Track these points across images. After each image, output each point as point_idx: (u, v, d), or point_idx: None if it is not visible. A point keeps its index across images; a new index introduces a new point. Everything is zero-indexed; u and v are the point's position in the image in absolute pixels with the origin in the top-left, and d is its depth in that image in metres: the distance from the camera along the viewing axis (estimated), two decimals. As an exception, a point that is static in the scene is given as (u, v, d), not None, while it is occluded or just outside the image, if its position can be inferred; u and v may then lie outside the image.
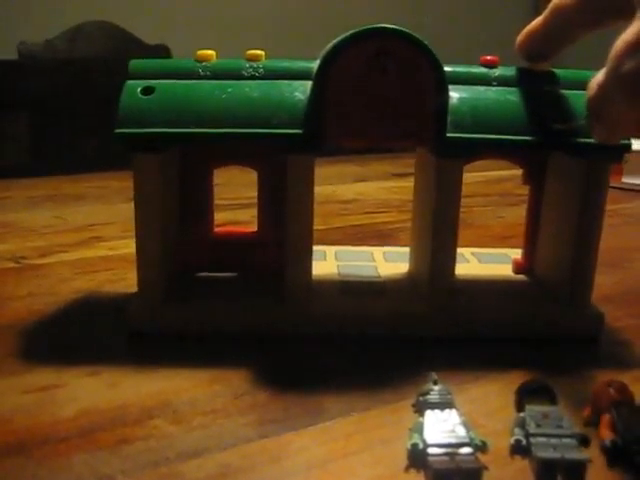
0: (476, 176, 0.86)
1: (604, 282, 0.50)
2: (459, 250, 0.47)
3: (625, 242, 0.63)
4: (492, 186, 0.83)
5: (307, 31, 1.66)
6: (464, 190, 0.82)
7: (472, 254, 0.49)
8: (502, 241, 0.59)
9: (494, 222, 0.68)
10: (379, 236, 0.61)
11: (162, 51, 1.34)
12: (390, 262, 0.47)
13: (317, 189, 0.80)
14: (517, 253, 0.48)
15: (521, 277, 0.46)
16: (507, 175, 0.80)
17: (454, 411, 0.29)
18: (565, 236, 0.40)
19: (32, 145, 1.16)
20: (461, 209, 0.70)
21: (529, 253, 0.46)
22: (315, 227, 0.63)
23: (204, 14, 1.81)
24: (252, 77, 0.38)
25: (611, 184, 0.83)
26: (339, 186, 0.82)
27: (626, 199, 0.80)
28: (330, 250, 0.49)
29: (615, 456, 0.28)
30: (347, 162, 0.96)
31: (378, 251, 0.49)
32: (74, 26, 1.38)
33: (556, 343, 0.39)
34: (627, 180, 0.84)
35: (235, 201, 0.66)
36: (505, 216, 0.68)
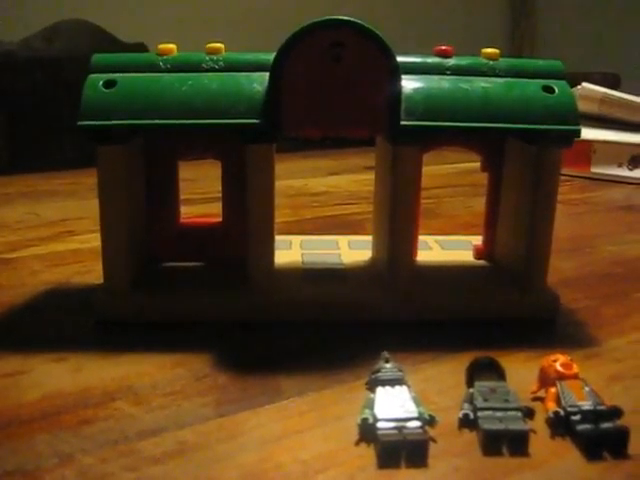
0: (447, 168, 0.88)
1: (565, 267, 0.52)
2: (422, 238, 0.49)
3: (589, 229, 0.64)
4: (463, 177, 0.84)
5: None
6: (435, 182, 0.84)
7: (435, 241, 0.51)
8: (469, 229, 0.60)
9: (462, 211, 0.69)
10: (347, 226, 0.62)
11: (140, 49, 1.34)
12: (354, 250, 0.48)
13: (289, 182, 0.82)
14: (479, 239, 0.49)
15: (481, 262, 0.47)
16: (478, 167, 0.82)
17: (404, 387, 0.30)
18: (521, 221, 0.42)
19: (8, 143, 1.16)
20: (430, 200, 0.72)
21: (489, 239, 0.47)
22: (285, 219, 0.64)
23: (182, 13, 1.81)
24: (212, 70, 0.39)
25: (579, 174, 0.86)
26: (311, 179, 0.83)
27: (593, 188, 0.81)
28: (296, 239, 0.50)
29: (557, 426, 0.29)
30: (321, 157, 0.97)
31: (343, 240, 0.50)
32: (51, 25, 1.38)
33: (513, 324, 0.41)
34: (595, 170, 0.85)
35: (208, 195, 0.67)
36: (473, 205, 0.70)
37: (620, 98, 0.87)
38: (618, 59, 1.93)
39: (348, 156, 0.96)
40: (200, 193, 0.68)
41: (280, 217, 0.55)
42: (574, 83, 0.88)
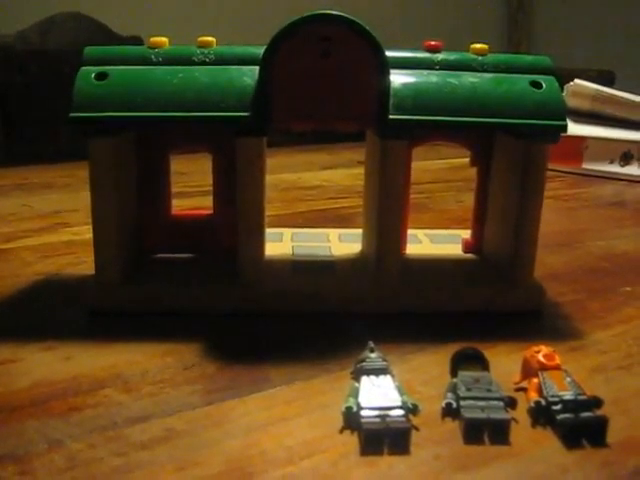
0: (439, 163, 0.88)
1: (554, 261, 0.52)
2: (412, 231, 0.49)
3: (579, 224, 0.65)
4: (454, 172, 0.85)
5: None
6: (426, 176, 0.84)
7: (425, 235, 0.51)
8: (459, 224, 0.60)
9: (454, 206, 0.70)
10: (339, 220, 0.63)
11: (136, 43, 1.35)
12: (344, 243, 0.48)
13: (283, 176, 0.82)
14: (468, 233, 0.49)
15: (469, 256, 0.47)
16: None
17: (389, 377, 0.31)
18: (509, 215, 0.42)
19: (3, 136, 1.17)
20: (422, 194, 0.73)
21: (477, 233, 0.47)
22: (277, 212, 0.65)
23: (178, 6, 1.81)
24: (203, 63, 0.40)
25: (571, 170, 0.86)
26: (305, 173, 0.83)
27: (584, 184, 0.82)
28: (287, 232, 0.50)
29: (538, 415, 0.30)
30: (315, 151, 0.97)
31: (334, 233, 0.51)
32: (47, 18, 1.38)
33: (499, 317, 0.41)
34: (586, 166, 0.86)
35: (200, 188, 0.68)
36: (465, 200, 0.70)
37: (612, 95, 0.88)
38: (613, 57, 1.94)
39: (342, 151, 0.97)
40: (192, 186, 0.68)
41: (272, 210, 0.55)
42: (569, 80, 0.89)
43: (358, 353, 0.33)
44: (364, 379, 0.31)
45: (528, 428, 0.30)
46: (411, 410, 0.29)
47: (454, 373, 0.32)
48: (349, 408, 0.29)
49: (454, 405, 0.30)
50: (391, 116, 0.38)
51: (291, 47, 0.37)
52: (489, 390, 0.30)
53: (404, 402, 0.29)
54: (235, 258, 0.41)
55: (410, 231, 0.48)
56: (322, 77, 0.38)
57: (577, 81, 0.89)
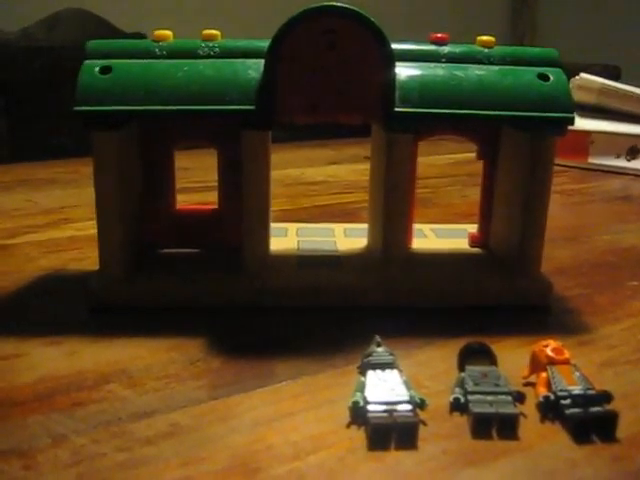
0: (444, 158, 0.88)
1: (560, 255, 0.52)
2: (418, 226, 0.49)
3: (585, 219, 0.64)
4: (459, 167, 0.84)
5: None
6: (431, 171, 0.84)
7: (431, 230, 0.51)
8: (465, 218, 0.60)
9: (459, 201, 0.70)
10: (343, 215, 0.62)
11: (139, 39, 1.34)
12: (350, 238, 0.48)
13: (287, 171, 0.82)
14: (474, 228, 0.49)
15: (476, 250, 0.47)
16: (475, 157, 0.82)
17: (395, 371, 0.31)
18: (515, 208, 0.42)
19: (7, 132, 1.16)
20: (427, 189, 0.73)
21: (484, 227, 0.47)
22: (281, 207, 0.64)
23: (182, 2, 1.80)
24: (208, 56, 0.39)
25: (577, 164, 0.86)
26: (310, 169, 0.83)
27: (591, 179, 0.81)
28: (292, 227, 0.50)
29: (547, 410, 0.29)
30: (320, 146, 0.97)
31: (339, 227, 0.50)
32: (51, 14, 1.38)
33: (506, 311, 0.41)
34: (592, 161, 0.86)
35: (203, 184, 0.67)
36: (470, 195, 0.70)
37: (618, 89, 0.87)
38: (619, 51, 1.93)
39: (346, 146, 0.96)
40: (195, 182, 0.68)
41: (277, 205, 0.55)
42: (574, 74, 0.88)
43: (364, 348, 0.33)
44: (371, 373, 0.30)
45: (537, 423, 0.29)
46: (418, 405, 0.29)
47: (462, 367, 0.32)
48: (356, 403, 0.29)
49: (462, 400, 0.30)
50: (397, 109, 0.38)
51: (296, 40, 0.37)
52: (497, 385, 0.30)
53: (411, 397, 0.29)
54: (240, 253, 0.41)
55: (416, 226, 0.48)
56: (327, 70, 0.38)
57: (583, 75, 0.89)
